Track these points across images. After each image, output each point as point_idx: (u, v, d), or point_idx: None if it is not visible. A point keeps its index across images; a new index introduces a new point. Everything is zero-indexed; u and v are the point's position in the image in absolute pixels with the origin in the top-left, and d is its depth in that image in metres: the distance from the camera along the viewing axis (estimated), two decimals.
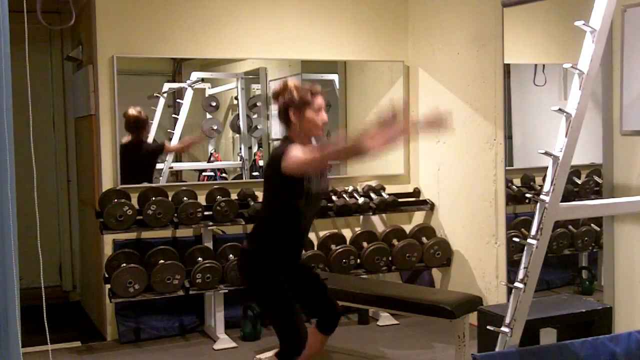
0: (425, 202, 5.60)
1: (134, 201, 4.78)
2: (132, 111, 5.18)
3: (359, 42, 5.64)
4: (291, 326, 3.18)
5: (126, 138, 5.17)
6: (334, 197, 5.21)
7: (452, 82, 5.29)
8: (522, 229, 4.70)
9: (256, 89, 5.90)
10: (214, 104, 5.88)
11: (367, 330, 5.10)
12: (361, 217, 5.43)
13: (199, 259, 4.73)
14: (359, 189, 5.44)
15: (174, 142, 5.56)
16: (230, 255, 4.83)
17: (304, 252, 4.83)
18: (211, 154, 5.92)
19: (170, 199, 4.85)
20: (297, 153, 2.97)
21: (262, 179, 5.15)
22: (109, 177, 4.94)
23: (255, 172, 5.84)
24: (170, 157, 5.53)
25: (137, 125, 5.21)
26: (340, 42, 5.57)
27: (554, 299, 3.72)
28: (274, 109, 5.83)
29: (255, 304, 3.42)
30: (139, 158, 5.28)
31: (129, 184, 4.95)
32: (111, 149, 4.95)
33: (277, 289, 3.16)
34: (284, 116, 3.18)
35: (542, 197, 2.58)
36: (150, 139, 5.51)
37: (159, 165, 5.46)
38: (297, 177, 3.04)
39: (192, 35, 5.13)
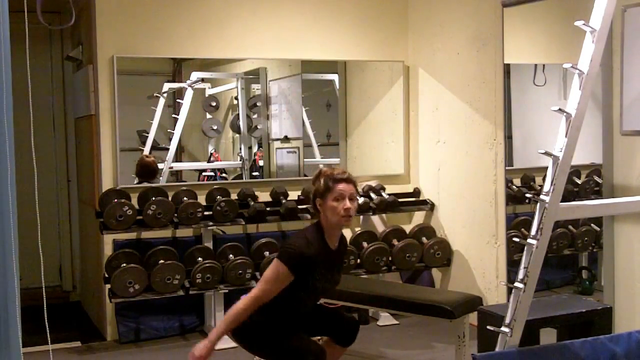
0: (425, 202, 5.60)
1: (134, 201, 4.78)
2: (146, 159, 5.24)
3: (359, 42, 5.64)
4: (302, 347, 3.09)
5: (136, 181, 5.21)
6: None
7: (452, 82, 5.29)
8: (522, 229, 4.70)
9: (256, 89, 5.91)
10: (214, 104, 5.88)
11: (367, 330, 5.09)
12: (361, 217, 5.43)
13: (199, 259, 4.73)
14: (359, 189, 5.43)
15: (173, 145, 5.55)
16: (230, 255, 4.83)
17: None
18: (211, 154, 5.92)
19: (170, 199, 4.85)
20: (263, 282, 2.99)
21: (263, 180, 5.14)
22: (109, 177, 4.94)
23: (255, 172, 5.85)
24: (170, 157, 5.53)
25: (148, 172, 5.25)
26: (340, 42, 5.57)
27: (554, 299, 3.71)
28: (274, 109, 5.87)
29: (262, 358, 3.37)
30: None
31: None
32: (111, 149, 4.95)
33: (273, 337, 3.12)
34: (312, 205, 3.13)
35: (542, 197, 2.58)
36: (150, 139, 5.51)
37: (159, 165, 5.46)
38: (303, 276, 3.00)
39: (192, 35, 5.13)
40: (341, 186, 3.03)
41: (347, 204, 3.03)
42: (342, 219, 3.05)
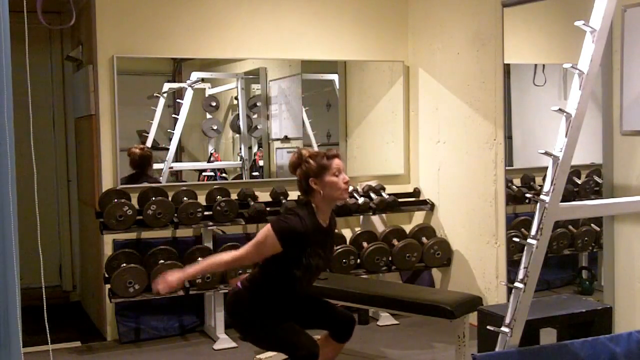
0: (425, 202, 5.60)
1: (134, 201, 4.78)
2: (136, 149, 5.19)
3: (359, 42, 5.64)
4: (293, 339, 3.14)
5: (130, 172, 5.17)
6: None
7: (452, 82, 5.29)
8: (522, 229, 4.71)
9: (256, 89, 5.90)
10: (214, 104, 5.88)
11: (367, 330, 5.10)
12: (361, 217, 5.43)
13: (199, 259, 4.71)
14: (359, 189, 5.43)
15: (173, 145, 5.55)
16: None
17: None
18: (211, 154, 5.92)
19: (170, 199, 4.85)
20: (250, 244, 3.09)
21: (262, 180, 5.16)
22: (109, 177, 4.94)
23: (255, 172, 5.84)
24: (170, 157, 5.52)
25: (142, 162, 5.21)
26: (340, 42, 5.57)
27: (554, 299, 3.71)
28: (274, 109, 5.87)
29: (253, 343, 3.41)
30: None
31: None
32: (111, 149, 4.95)
33: (266, 323, 3.16)
34: (305, 186, 3.17)
35: (542, 197, 2.58)
36: (150, 139, 5.50)
37: (159, 165, 5.46)
38: (295, 252, 3.06)
39: (192, 35, 5.13)
40: (337, 161, 3.15)
41: (346, 177, 3.17)
42: (344, 192, 3.16)
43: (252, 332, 3.25)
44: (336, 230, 5.31)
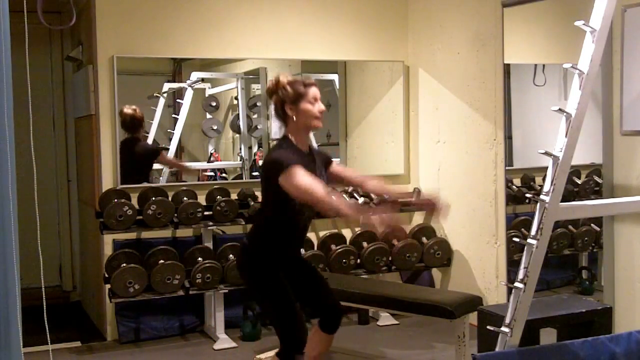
0: None
1: (134, 201, 4.79)
2: (128, 110, 5.13)
3: (359, 42, 5.64)
4: (290, 323, 3.17)
5: (123, 136, 5.13)
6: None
7: (452, 82, 5.29)
8: (522, 229, 4.70)
9: (256, 89, 5.90)
10: (214, 104, 5.88)
11: (367, 330, 5.10)
12: (361, 217, 5.42)
13: (199, 259, 4.73)
14: (359, 189, 5.43)
15: (173, 145, 5.55)
16: (230, 255, 4.83)
17: (303, 251, 4.84)
18: (211, 154, 5.92)
19: (170, 199, 4.85)
20: (300, 181, 2.90)
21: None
22: (109, 177, 4.94)
23: (255, 172, 5.84)
24: (165, 168, 5.51)
25: (133, 124, 5.16)
26: (340, 42, 5.57)
27: (554, 299, 3.71)
28: (273, 108, 5.86)
29: (255, 302, 3.42)
30: (135, 157, 5.25)
31: (127, 181, 4.95)
32: (111, 149, 4.95)
33: (276, 286, 3.15)
34: (281, 113, 3.19)
35: (542, 197, 2.58)
36: (150, 139, 5.51)
37: (159, 166, 5.46)
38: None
39: (192, 35, 5.13)
40: (313, 89, 3.14)
41: (321, 106, 3.16)
42: (315, 121, 3.15)
43: (256, 287, 3.23)
44: (336, 231, 5.38)
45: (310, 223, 3.37)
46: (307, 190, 2.90)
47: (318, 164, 3.26)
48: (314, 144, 3.34)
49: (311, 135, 3.40)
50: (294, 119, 3.13)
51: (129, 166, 5.10)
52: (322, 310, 3.37)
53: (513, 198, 4.83)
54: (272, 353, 4.39)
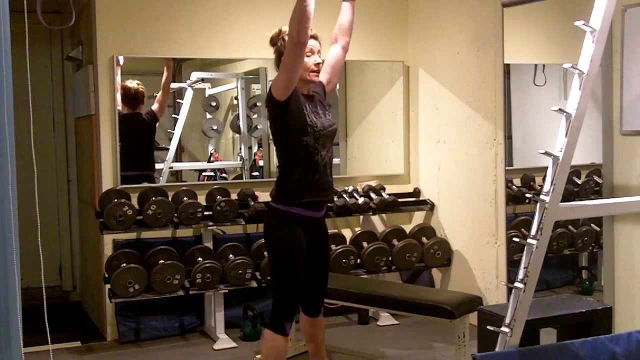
0: (425, 202, 5.60)
1: (134, 201, 4.79)
2: (132, 84, 5.17)
3: (359, 42, 5.61)
4: (287, 290, 3.15)
5: (123, 111, 5.12)
6: (334, 198, 5.21)
7: (452, 82, 5.29)
8: (522, 229, 4.70)
9: (256, 89, 5.91)
10: (214, 104, 5.88)
11: (367, 330, 5.10)
12: (361, 217, 5.44)
13: (199, 259, 4.73)
14: (359, 189, 5.43)
15: (173, 145, 5.54)
16: (230, 255, 4.83)
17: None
18: (211, 154, 5.92)
19: (170, 199, 4.85)
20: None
21: (262, 180, 5.12)
22: (109, 177, 4.94)
23: (255, 172, 5.84)
24: (170, 157, 5.52)
25: (136, 99, 5.19)
26: None
27: (554, 299, 3.72)
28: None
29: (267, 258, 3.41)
30: (136, 132, 5.25)
31: (128, 164, 4.97)
32: (111, 149, 4.95)
33: (289, 246, 3.13)
34: (278, 63, 3.17)
35: (542, 197, 2.58)
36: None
37: (159, 166, 5.46)
38: (297, 111, 3.06)
39: (192, 35, 5.13)
40: (311, 42, 3.11)
41: (318, 58, 3.15)
42: (312, 74, 3.16)
43: (273, 241, 3.19)
44: (336, 231, 5.38)
45: (330, 166, 3.28)
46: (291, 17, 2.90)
47: (323, 108, 3.25)
48: None
49: None
50: None
51: (130, 143, 5.09)
52: (311, 295, 3.35)
53: (513, 198, 4.83)
54: None
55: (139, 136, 5.32)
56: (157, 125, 5.42)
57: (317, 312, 3.39)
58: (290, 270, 3.15)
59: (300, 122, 3.09)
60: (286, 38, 3.07)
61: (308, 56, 3.12)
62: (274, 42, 3.22)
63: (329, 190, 3.27)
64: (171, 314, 5.03)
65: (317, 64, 3.15)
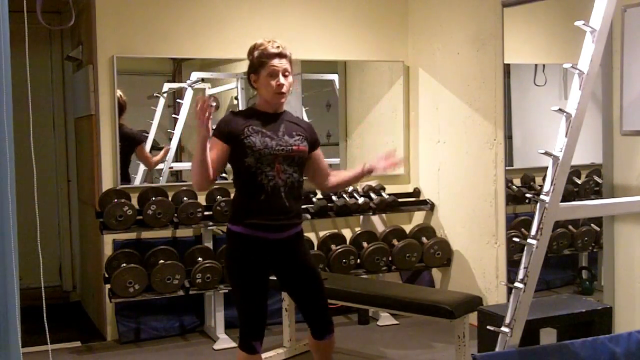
0: (425, 202, 5.60)
1: (134, 201, 4.78)
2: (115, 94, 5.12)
3: (359, 42, 5.64)
4: (246, 309, 2.99)
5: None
6: (334, 197, 5.21)
7: (452, 82, 5.29)
8: (522, 229, 4.71)
9: None
10: (214, 104, 5.87)
11: (367, 330, 5.10)
12: (361, 217, 5.43)
13: (199, 259, 4.73)
14: (359, 189, 5.43)
15: (173, 145, 5.53)
16: None
17: None
18: None
19: (170, 199, 4.85)
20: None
21: None
22: (109, 177, 4.94)
23: None
24: (170, 157, 5.51)
25: (119, 109, 5.08)
26: (340, 42, 5.57)
27: (554, 299, 3.71)
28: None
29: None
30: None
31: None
32: (111, 149, 4.95)
33: (241, 268, 2.97)
34: (248, 81, 3.04)
35: (542, 197, 2.58)
36: (150, 139, 5.49)
37: (159, 165, 5.46)
38: (236, 136, 2.93)
39: (192, 35, 5.13)
40: (274, 62, 2.92)
41: (281, 80, 2.93)
42: (275, 96, 2.94)
43: (227, 266, 3.06)
44: (336, 231, 5.38)
45: (291, 190, 3.03)
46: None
47: (288, 130, 3.02)
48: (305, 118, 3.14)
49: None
50: (259, 90, 2.98)
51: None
52: (311, 315, 3.17)
53: (513, 198, 4.83)
54: (272, 353, 4.40)
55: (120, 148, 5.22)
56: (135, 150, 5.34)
57: (322, 334, 3.17)
58: (243, 288, 2.99)
59: (241, 145, 2.93)
60: (254, 54, 2.98)
61: (271, 77, 2.93)
62: (248, 54, 3.04)
63: (283, 214, 2.98)
64: (171, 314, 5.03)
65: (280, 85, 2.93)
